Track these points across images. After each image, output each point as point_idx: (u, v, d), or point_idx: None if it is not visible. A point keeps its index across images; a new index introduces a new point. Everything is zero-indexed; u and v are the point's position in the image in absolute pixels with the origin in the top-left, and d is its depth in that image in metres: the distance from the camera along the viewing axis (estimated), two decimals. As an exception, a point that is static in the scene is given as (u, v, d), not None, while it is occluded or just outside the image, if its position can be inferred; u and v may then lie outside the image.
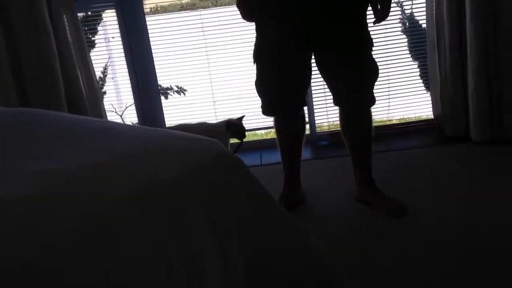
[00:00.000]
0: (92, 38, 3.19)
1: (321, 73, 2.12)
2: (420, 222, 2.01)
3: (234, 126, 2.65)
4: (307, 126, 3.13)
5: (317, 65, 2.10)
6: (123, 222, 0.78)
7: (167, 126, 3.16)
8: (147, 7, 3.50)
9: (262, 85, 2.11)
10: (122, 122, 3.11)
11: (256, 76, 2.12)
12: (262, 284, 1.01)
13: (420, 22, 3.13)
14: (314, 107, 3.12)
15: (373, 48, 2.05)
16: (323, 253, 1.21)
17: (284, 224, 1.19)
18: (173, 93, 3.33)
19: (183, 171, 0.98)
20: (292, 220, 1.23)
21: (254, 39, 2.09)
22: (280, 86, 2.08)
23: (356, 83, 2.04)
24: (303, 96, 2.18)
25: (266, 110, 2.17)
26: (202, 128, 2.64)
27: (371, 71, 2.05)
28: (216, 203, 1.01)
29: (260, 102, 2.19)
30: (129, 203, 0.81)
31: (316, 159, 2.89)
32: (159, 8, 3.69)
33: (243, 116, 2.73)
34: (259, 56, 2.07)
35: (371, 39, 2.04)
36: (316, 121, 3.17)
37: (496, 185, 2.27)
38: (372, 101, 2.10)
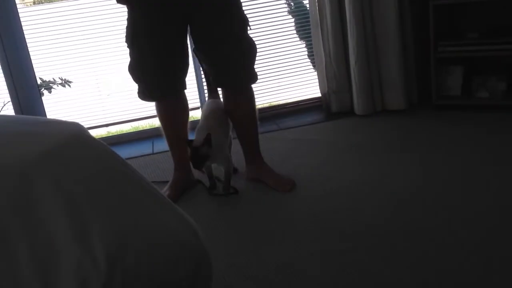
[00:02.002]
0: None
1: (198, 56, 2.09)
2: (308, 194, 2.07)
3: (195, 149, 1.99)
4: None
5: (195, 47, 2.06)
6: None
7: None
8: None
9: (138, 70, 2.03)
10: None
11: (130, 60, 2.03)
12: (129, 271, 0.96)
13: (305, 2, 3.19)
14: (205, 90, 3.07)
15: (249, 27, 2.04)
16: (199, 233, 1.18)
17: (155, 206, 1.15)
18: (57, 85, 3.14)
19: (35, 154, 0.96)
20: (165, 200, 1.19)
21: (126, 21, 2.00)
22: (157, 70, 2.02)
23: (234, 62, 2.03)
24: (183, 79, 2.12)
25: (143, 95, 2.09)
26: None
27: (248, 49, 2.05)
28: (72, 185, 0.96)
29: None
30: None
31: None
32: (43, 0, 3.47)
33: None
34: (133, 39, 1.99)
35: (246, 18, 2.03)
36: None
37: (378, 153, 2.40)
38: (253, 78, 2.10)
